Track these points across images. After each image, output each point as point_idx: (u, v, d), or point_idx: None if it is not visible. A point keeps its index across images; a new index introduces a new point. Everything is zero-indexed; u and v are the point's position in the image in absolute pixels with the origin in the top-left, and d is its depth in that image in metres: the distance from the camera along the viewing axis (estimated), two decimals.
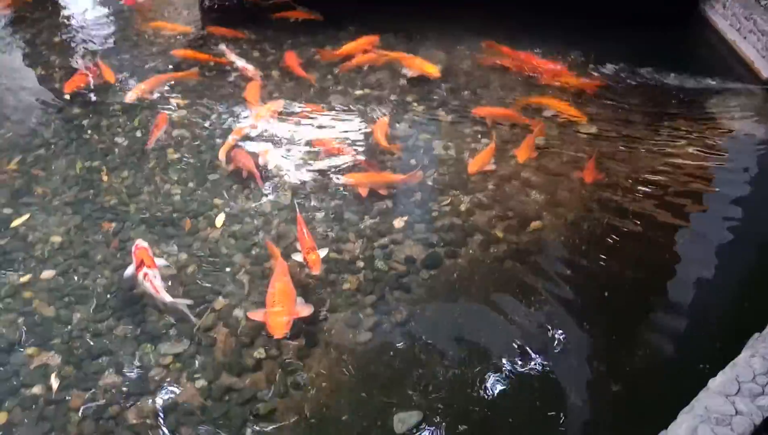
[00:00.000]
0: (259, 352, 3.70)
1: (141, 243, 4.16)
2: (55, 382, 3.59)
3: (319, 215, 4.69)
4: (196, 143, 5.51)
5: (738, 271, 4.27)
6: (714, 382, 2.92)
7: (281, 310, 3.67)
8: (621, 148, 5.35)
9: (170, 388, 3.54)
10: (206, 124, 5.74)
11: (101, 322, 3.92)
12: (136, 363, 3.67)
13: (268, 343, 3.73)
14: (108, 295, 4.10)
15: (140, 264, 3.97)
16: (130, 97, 5.97)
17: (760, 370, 2.92)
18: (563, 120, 5.69)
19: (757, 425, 2.72)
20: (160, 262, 4.12)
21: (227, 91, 6.22)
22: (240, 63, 6.50)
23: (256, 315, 3.74)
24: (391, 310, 3.97)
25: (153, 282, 3.87)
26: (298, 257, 4.12)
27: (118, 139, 5.58)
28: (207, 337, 3.82)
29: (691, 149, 5.32)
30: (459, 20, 7.12)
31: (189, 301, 3.93)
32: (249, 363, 3.66)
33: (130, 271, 4.06)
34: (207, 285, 4.15)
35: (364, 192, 4.79)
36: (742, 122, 5.72)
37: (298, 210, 4.52)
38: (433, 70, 6.15)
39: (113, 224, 4.67)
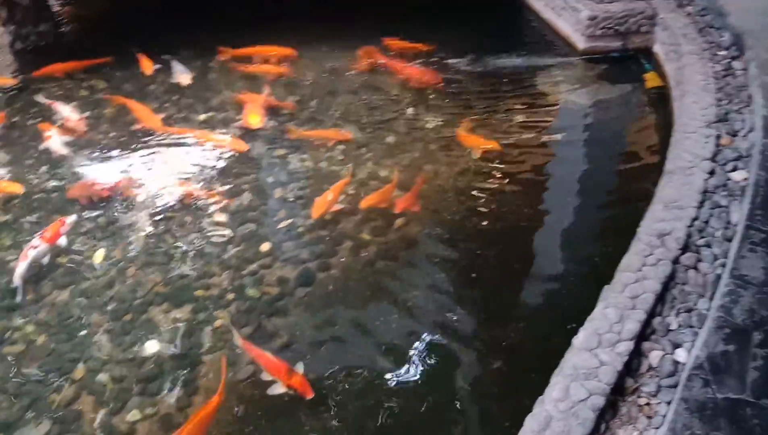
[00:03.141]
0: (134, 415, 3.42)
1: (69, 218, 4.54)
2: None
3: (177, 254, 4.43)
4: (27, 201, 4.99)
5: (583, 229, 4.61)
6: (577, 339, 3.10)
7: None
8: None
9: None
10: (35, 180, 5.22)
11: None
12: None
13: (141, 404, 3.45)
14: None
15: (44, 231, 4.37)
16: None
17: (614, 319, 3.14)
18: (411, 116, 5.85)
19: (620, 371, 2.93)
20: (62, 241, 4.39)
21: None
22: (64, 112, 5.95)
23: None
24: (271, 336, 3.84)
25: (27, 251, 4.23)
26: (278, 389, 3.44)
27: None
28: (70, 411, 3.45)
29: (526, 122, 5.70)
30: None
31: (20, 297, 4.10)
32: (124, 429, 3.36)
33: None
34: (62, 354, 3.76)
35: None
36: (567, 92, 6.21)
37: (239, 338, 3.73)
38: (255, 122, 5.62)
39: None
